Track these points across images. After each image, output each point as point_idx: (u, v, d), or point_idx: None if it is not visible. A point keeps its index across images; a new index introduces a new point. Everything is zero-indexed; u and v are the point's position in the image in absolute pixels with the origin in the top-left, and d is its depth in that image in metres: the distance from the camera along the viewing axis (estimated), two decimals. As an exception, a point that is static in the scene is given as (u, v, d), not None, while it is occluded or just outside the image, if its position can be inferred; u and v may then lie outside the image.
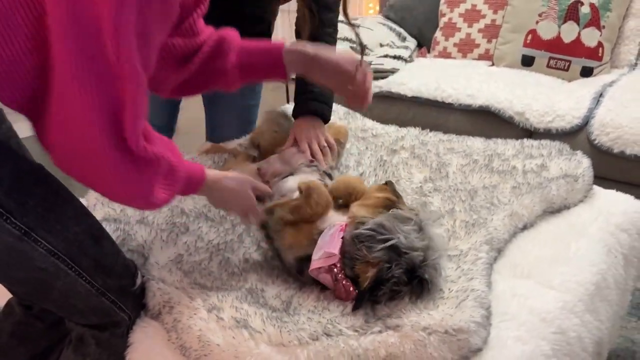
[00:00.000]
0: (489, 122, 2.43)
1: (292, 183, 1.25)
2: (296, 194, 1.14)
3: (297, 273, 1.09)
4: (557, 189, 1.41)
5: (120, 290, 1.02)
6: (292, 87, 1.60)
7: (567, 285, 1.14)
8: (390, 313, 0.95)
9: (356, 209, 1.07)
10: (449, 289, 0.99)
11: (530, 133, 2.34)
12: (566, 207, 1.43)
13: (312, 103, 1.51)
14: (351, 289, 0.97)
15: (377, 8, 3.89)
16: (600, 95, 2.31)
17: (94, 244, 0.99)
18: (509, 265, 1.20)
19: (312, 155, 1.41)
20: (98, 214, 1.28)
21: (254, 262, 1.20)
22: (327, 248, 0.99)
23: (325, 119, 1.53)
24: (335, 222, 1.06)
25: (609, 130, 2.14)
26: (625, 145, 2.10)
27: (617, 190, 1.54)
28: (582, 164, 1.51)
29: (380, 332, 0.92)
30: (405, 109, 2.64)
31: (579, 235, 1.31)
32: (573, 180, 1.45)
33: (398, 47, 2.99)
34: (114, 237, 1.12)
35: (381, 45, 2.98)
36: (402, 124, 1.89)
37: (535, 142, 1.65)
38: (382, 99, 2.68)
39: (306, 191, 1.08)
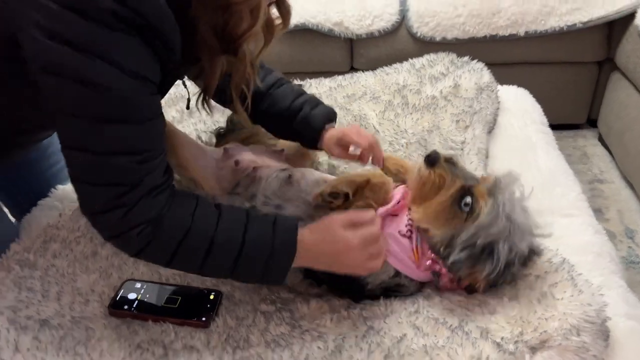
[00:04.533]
0: (307, 40, 2.25)
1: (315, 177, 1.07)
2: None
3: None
4: (486, 107, 1.39)
5: None
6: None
7: (573, 203, 1.16)
8: (521, 329, 0.83)
9: (425, 220, 0.90)
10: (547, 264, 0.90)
11: (351, 41, 2.26)
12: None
13: (323, 106, 1.13)
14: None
15: None
16: (403, -14, 2.31)
17: None
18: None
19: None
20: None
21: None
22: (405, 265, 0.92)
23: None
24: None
25: (427, 20, 2.17)
26: (445, 32, 2.17)
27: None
28: (483, 71, 1.50)
29: (532, 357, 0.81)
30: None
31: (529, 146, 1.33)
32: (490, 91, 1.44)
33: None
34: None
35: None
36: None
37: (423, 60, 1.57)
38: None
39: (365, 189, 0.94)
